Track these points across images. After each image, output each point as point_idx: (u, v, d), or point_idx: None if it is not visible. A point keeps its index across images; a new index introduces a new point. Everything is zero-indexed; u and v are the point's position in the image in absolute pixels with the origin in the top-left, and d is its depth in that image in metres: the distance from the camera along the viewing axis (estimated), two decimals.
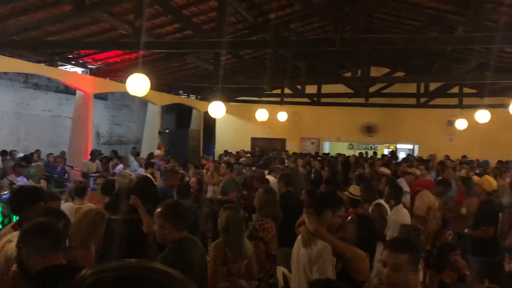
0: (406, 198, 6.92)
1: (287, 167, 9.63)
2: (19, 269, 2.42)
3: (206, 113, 9.17)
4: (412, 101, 13.73)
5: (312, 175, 9.65)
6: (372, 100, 14.17)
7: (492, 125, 11.92)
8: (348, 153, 15.86)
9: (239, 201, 7.22)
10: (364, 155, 14.78)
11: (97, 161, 9.92)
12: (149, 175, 6.66)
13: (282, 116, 14.69)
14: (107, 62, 10.27)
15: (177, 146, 14.85)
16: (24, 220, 3.31)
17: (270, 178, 7.99)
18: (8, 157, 10.39)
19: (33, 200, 3.44)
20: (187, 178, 7.16)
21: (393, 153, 15.76)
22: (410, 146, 17.71)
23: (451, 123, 14.70)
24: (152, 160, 9.52)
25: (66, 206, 4.74)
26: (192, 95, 16.10)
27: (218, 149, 16.91)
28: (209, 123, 17.11)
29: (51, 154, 11.04)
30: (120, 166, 10.92)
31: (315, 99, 14.61)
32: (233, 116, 16.87)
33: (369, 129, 16.53)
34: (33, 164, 8.29)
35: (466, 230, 5.49)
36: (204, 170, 9.48)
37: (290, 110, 15.33)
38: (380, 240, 4.24)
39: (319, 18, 9.84)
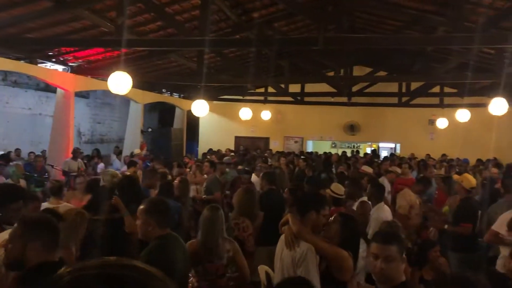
0: (388, 196, 6.99)
1: (271, 166, 9.65)
2: (6, 263, 2.35)
3: (190, 111, 9.11)
4: (394, 100, 13.88)
5: (295, 174, 9.69)
6: (355, 99, 14.29)
7: (472, 124, 12.15)
8: (331, 152, 15.97)
9: (223, 201, 7.21)
10: (347, 154, 14.89)
11: (79, 160, 9.80)
12: (132, 174, 6.61)
13: (266, 115, 14.71)
14: (89, 60, 10.14)
15: (160, 145, 14.73)
16: (3, 218, 3.26)
17: (253, 176, 8.00)
18: None
19: (13, 198, 3.37)
20: (169, 177, 7.11)
21: (375, 152, 15.91)
22: (392, 145, 17.93)
23: (432, 122, 14.93)
24: (132, 159, 9.45)
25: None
26: (175, 94, 16.00)
27: (202, 148, 16.85)
28: (193, 122, 17.02)
29: (32, 152, 10.87)
30: (101, 164, 10.81)
31: (299, 98, 14.67)
32: (217, 115, 16.83)
33: (352, 128, 16.67)
34: (12, 163, 8.15)
35: (446, 226, 5.57)
36: (187, 169, 9.43)
37: (273, 109, 15.37)
38: (363, 238, 4.29)
39: (303, 17, 9.88)
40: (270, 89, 14.20)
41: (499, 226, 4.55)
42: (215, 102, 15.50)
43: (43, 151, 11.56)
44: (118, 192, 4.78)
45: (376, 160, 12.21)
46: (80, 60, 10.02)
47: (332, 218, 3.39)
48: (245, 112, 13.09)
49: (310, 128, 16.84)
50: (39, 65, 9.38)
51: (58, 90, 10.11)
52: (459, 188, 5.69)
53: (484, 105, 8.63)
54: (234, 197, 4.85)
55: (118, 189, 4.84)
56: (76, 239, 3.25)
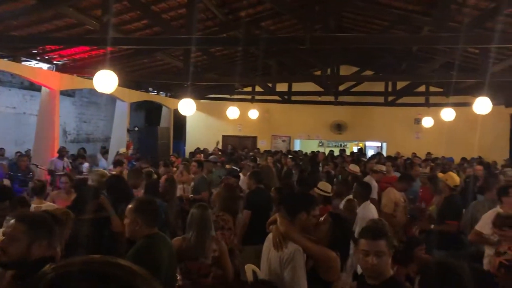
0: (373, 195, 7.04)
1: (258, 165, 9.65)
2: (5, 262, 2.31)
3: (176, 110, 9.05)
4: (380, 99, 14.01)
5: (283, 173, 9.69)
6: (342, 98, 14.38)
7: (457, 123, 12.29)
8: (319, 150, 16.04)
9: (209, 200, 7.20)
10: (334, 153, 14.95)
11: (66, 159, 9.68)
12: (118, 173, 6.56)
13: (253, 114, 14.70)
14: (74, 58, 10.01)
15: (146, 144, 14.64)
16: None
17: (240, 175, 8.00)
18: None
19: None
20: (155, 176, 7.06)
21: (361, 151, 16.00)
22: (379, 144, 18.06)
23: (418, 121, 15.09)
24: (118, 158, 9.37)
25: None
26: (162, 92, 15.90)
27: (189, 147, 16.79)
28: (179, 121, 16.94)
29: (18, 152, 10.71)
30: (86, 164, 10.70)
31: (286, 97, 14.69)
32: (204, 114, 16.79)
33: (339, 127, 16.76)
34: None
35: (432, 226, 5.63)
36: (174, 168, 9.38)
37: (261, 108, 15.37)
38: (352, 238, 4.30)
39: (290, 17, 9.89)
40: (258, 88, 14.21)
41: (482, 226, 4.56)
42: (202, 101, 15.46)
43: (28, 151, 11.41)
44: (106, 191, 4.75)
45: (363, 159, 12.29)
46: (65, 59, 9.89)
47: (322, 219, 3.39)
48: (233, 111, 13.05)
49: (297, 127, 16.89)
50: (23, 63, 9.24)
51: (43, 88, 9.98)
52: (444, 186, 5.76)
53: (469, 104, 8.74)
54: (215, 194, 5.02)
55: (106, 188, 4.81)
56: (61, 239, 3.21)
